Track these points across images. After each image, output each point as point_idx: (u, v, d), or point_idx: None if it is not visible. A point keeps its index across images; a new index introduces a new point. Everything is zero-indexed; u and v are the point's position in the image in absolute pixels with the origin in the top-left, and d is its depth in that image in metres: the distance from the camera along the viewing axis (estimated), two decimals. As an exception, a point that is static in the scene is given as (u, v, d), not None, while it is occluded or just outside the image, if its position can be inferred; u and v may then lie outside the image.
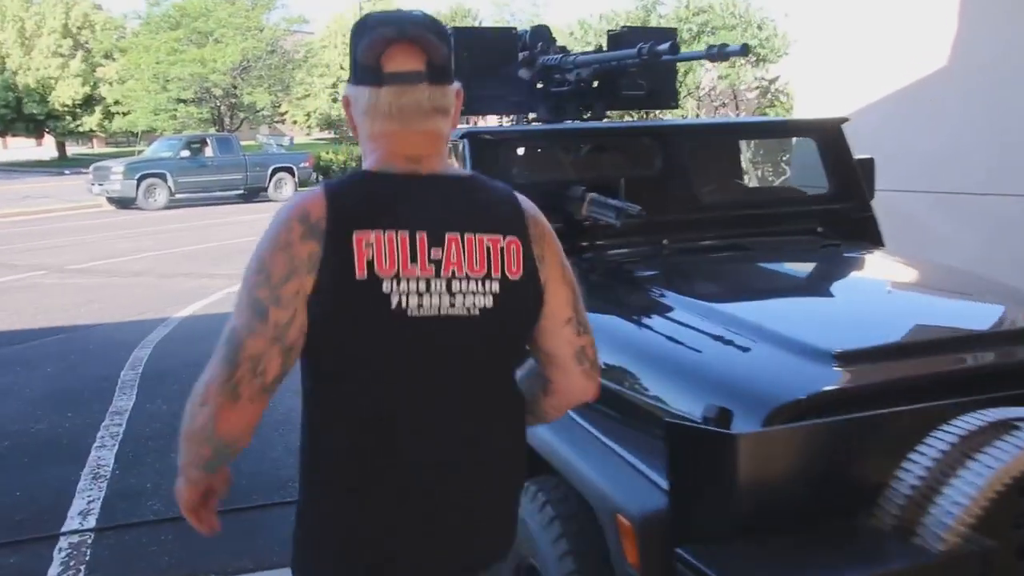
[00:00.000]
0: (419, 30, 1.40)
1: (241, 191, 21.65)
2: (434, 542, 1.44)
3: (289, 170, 21.96)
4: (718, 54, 3.15)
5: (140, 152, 24.18)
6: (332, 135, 43.43)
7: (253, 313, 1.34)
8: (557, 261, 1.49)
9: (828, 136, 3.63)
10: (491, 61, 4.15)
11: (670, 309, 2.55)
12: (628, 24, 13.15)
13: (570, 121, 4.15)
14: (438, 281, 1.36)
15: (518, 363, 1.57)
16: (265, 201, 20.93)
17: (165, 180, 20.27)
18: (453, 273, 1.37)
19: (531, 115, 4.63)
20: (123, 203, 20.19)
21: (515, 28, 4.25)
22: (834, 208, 3.52)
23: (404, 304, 1.34)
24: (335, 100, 37.53)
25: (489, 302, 1.39)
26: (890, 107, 7.81)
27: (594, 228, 3.20)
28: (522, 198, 1.50)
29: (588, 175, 3.43)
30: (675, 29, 4.43)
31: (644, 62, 3.32)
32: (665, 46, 3.16)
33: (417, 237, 1.36)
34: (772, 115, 12.04)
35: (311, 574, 1.51)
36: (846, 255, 3.19)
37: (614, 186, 3.19)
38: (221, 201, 21.25)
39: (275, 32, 33.80)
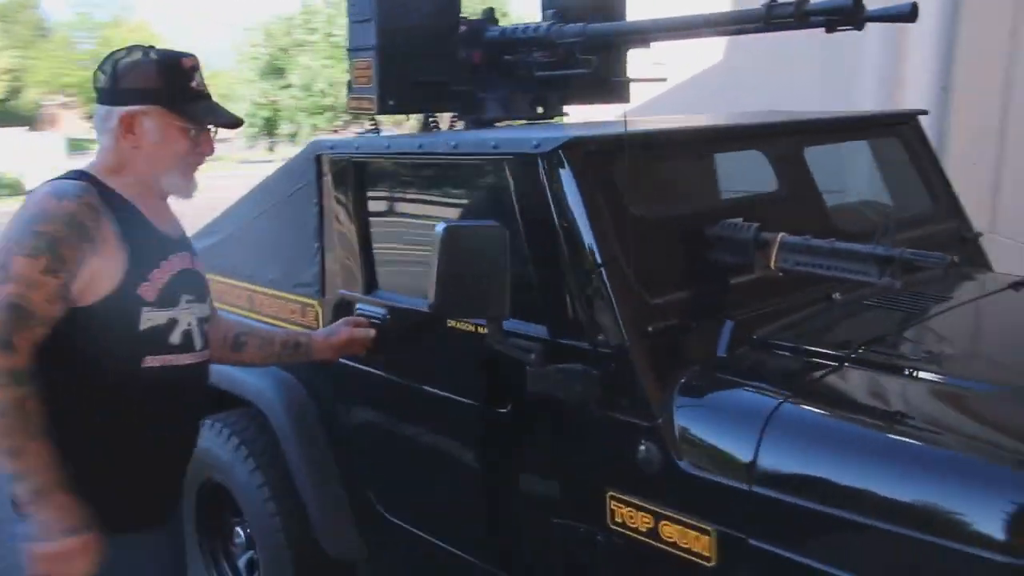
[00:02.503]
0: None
1: None
2: None
3: None
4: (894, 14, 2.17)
5: None
6: None
7: None
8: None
9: (911, 135, 2.82)
10: (423, 34, 2.75)
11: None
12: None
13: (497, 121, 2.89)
14: None
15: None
16: None
17: None
18: None
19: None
20: None
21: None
22: (942, 229, 2.71)
23: None
24: None
25: None
26: (660, 106, 7.39)
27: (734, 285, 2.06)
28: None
29: (710, 199, 2.24)
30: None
31: (771, 27, 2.22)
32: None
33: None
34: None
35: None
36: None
37: (757, 213, 2.08)
38: None
39: None
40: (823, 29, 2.32)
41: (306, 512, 2.68)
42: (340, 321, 2.40)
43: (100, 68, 1.83)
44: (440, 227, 1.87)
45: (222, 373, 2.86)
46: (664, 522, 1.79)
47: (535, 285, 2.00)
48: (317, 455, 2.67)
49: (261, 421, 2.85)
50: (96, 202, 1.72)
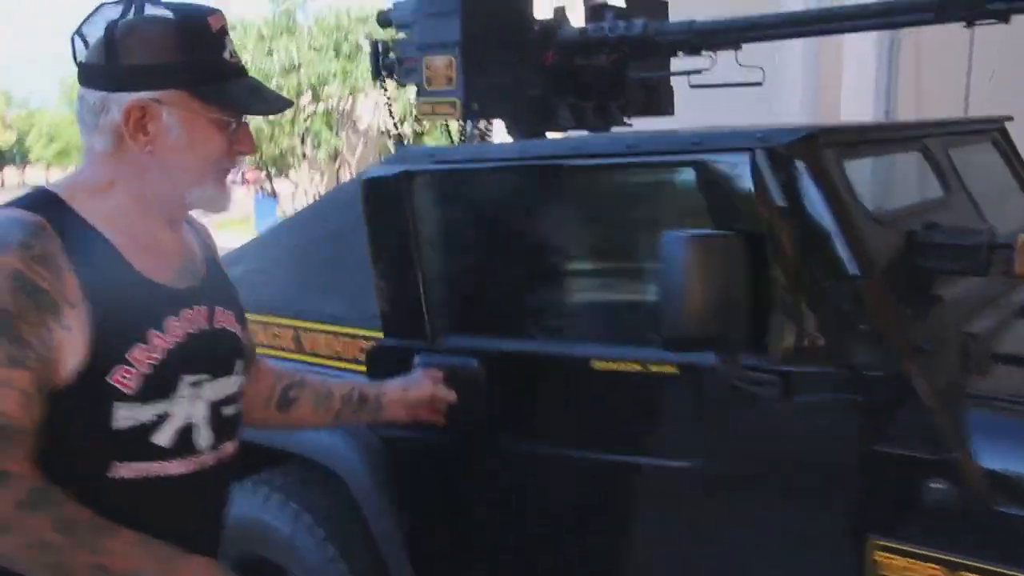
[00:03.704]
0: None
1: None
2: None
3: None
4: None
5: None
6: None
7: None
8: None
9: (1001, 139, 2.73)
10: (501, 32, 2.45)
11: None
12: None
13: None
14: None
15: None
16: None
17: None
18: None
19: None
20: None
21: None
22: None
23: None
24: None
25: None
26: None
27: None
28: None
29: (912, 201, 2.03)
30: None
31: (943, 18, 2.04)
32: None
33: None
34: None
35: None
36: None
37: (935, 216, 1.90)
38: None
39: None
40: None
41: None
42: (418, 372, 1.93)
43: (79, 32, 1.27)
44: (674, 237, 1.55)
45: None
46: (964, 573, 1.53)
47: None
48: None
49: (319, 481, 2.40)
50: (53, 247, 1.19)
